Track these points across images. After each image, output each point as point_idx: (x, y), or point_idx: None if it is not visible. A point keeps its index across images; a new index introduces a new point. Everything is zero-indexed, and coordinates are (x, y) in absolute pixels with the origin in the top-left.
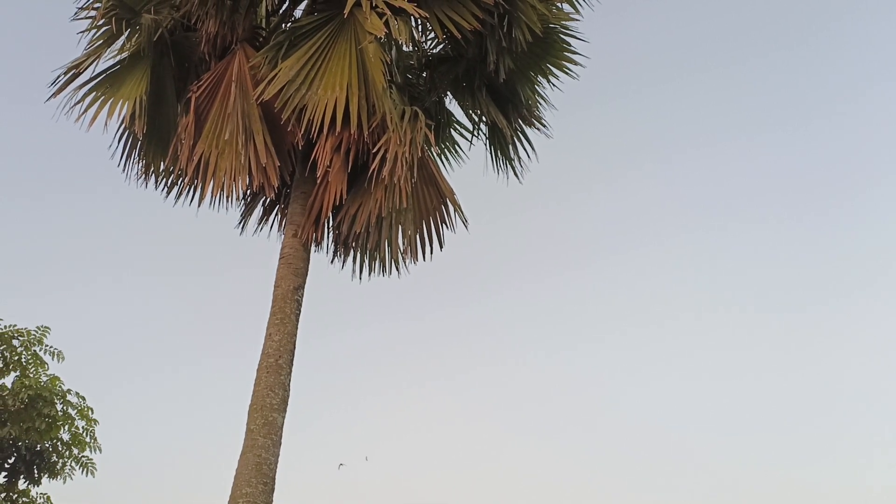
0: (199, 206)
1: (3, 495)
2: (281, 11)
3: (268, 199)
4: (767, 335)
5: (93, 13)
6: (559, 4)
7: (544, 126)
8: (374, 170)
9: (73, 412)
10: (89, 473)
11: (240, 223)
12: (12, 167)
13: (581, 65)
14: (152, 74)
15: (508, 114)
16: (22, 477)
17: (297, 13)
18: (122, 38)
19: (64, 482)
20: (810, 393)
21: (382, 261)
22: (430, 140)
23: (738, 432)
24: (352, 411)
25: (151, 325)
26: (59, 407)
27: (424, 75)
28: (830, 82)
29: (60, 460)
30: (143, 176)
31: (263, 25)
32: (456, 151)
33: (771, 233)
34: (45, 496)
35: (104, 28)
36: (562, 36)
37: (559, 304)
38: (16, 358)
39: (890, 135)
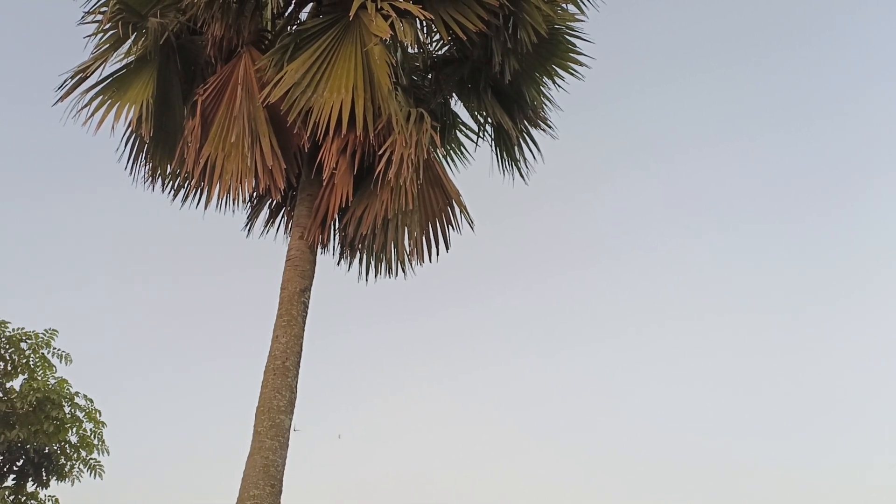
0: (205, 208)
1: (11, 498)
2: (286, 14)
3: (274, 202)
4: (769, 336)
5: (99, 17)
6: (564, 5)
7: (550, 127)
8: (379, 172)
9: (80, 415)
10: (97, 476)
11: (246, 225)
12: (19, 167)
13: (586, 66)
14: (159, 78)
15: (514, 115)
16: (30, 479)
17: (303, 16)
18: (129, 41)
19: (72, 484)
20: (811, 393)
21: (389, 262)
22: (436, 142)
23: (739, 433)
24: (358, 412)
25: (158, 327)
26: (66, 409)
27: (430, 77)
28: (832, 83)
29: (68, 463)
30: (150, 179)
31: (269, 28)
32: (461, 153)
33: (773, 233)
34: (54, 499)
35: (111, 32)
36: (567, 37)
37: (564, 305)
38: (24, 361)
39: (891, 135)
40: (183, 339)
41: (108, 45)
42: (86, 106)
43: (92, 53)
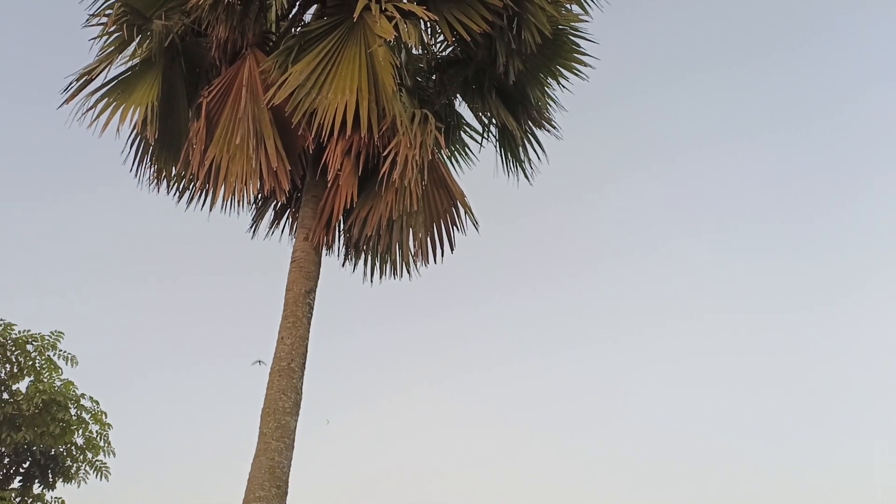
0: (210, 210)
1: (18, 499)
2: (291, 16)
3: (279, 203)
4: (773, 336)
5: (104, 20)
6: (568, 6)
7: (554, 128)
8: (384, 173)
9: (86, 416)
10: (103, 477)
11: (251, 227)
12: (24, 168)
13: (591, 66)
14: (163, 80)
15: (518, 116)
16: (36, 481)
17: (307, 18)
18: (134, 44)
19: (78, 486)
20: (814, 393)
21: (393, 264)
22: (441, 143)
23: (743, 433)
24: (363, 413)
25: (163, 328)
26: (73, 411)
27: (434, 78)
28: (833, 82)
29: (75, 464)
30: (155, 181)
31: (273, 30)
32: (466, 154)
33: (776, 233)
34: (60, 500)
35: (115, 35)
36: (571, 37)
37: (568, 305)
38: (30, 363)
39: (892, 134)
40: (188, 340)
41: (112, 48)
42: (91, 108)
43: (97, 56)
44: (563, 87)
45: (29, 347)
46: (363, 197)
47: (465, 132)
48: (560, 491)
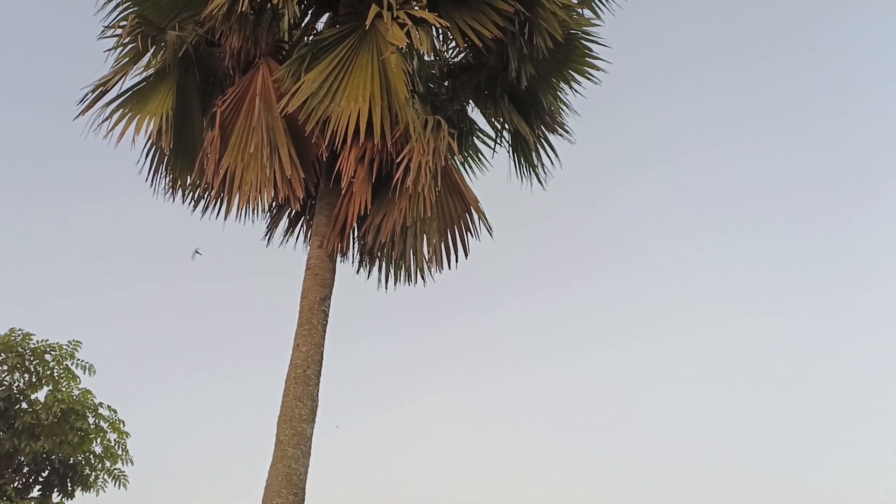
0: (225, 218)
1: None
2: (303, 25)
3: (293, 211)
4: (782, 338)
5: (118, 31)
6: (580, 10)
7: (567, 132)
8: (398, 179)
9: (104, 425)
10: (121, 486)
11: (266, 235)
12: (42, 176)
13: (603, 70)
14: (178, 90)
15: (531, 120)
16: (56, 490)
17: (319, 26)
18: (148, 54)
19: (97, 494)
20: (820, 396)
21: (408, 270)
22: (454, 149)
23: (754, 437)
24: (379, 419)
25: (179, 336)
26: (91, 420)
27: (446, 84)
28: (838, 83)
29: (93, 473)
30: (171, 190)
31: (286, 39)
32: (479, 159)
33: (785, 233)
34: None
35: (130, 46)
36: (583, 42)
37: (581, 309)
38: (48, 372)
39: None
40: (205, 348)
41: (127, 59)
42: (107, 119)
43: (112, 67)
44: (576, 91)
45: (47, 357)
46: (377, 204)
47: (478, 138)
48: (573, 495)
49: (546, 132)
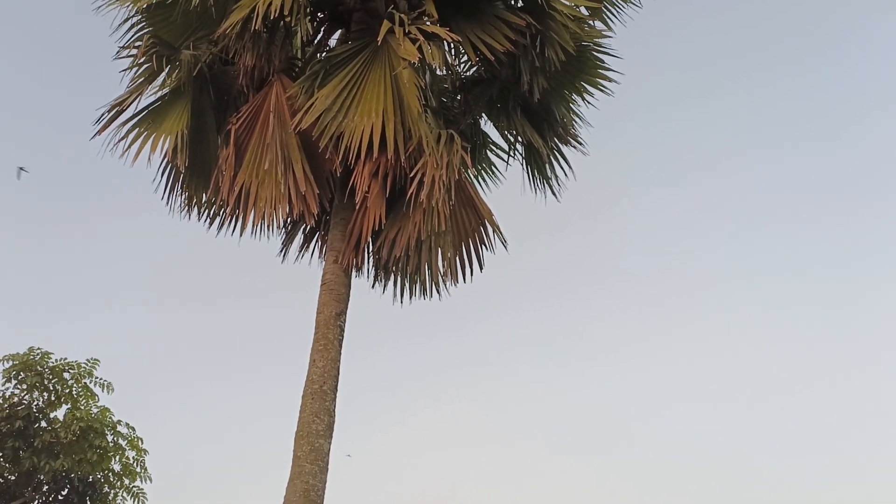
0: (241, 235)
1: None
2: (316, 41)
3: (308, 227)
4: (798, 351)
5: (134, 52)
6: (591, 22)
7: (580, 143)
8: (411, 194)
9: (123, 443)
10: (140, 503)
11: (281, 251)
12: (58, 195)
13: (615, 81)
14: (193, 108)
15: (544, 133)
16: None
17: (332, 42)
18: (163, 74)
19: None
20: (837, 408)
21: (423, 284)
22: (467, 162)
23: (768, 451)
24: (394, 432)
25: (196, 353)
26: (109, 438)
27: (459, 98)
28: (860, 91)
29: (112, 491)
30: (186, 207)
31: (299, 56)
32: (493, 172)
33: (802, 245)
34: None
35: (145, 66)
36: (595, 53)
37: (595, 322)
38: (67, 391)
39: None
40: (221, 364)
41: (143, 79)
42: (123, 138)
43: (127, 87)
44: (588, 102)
45: (66, 375)
46: (391, 218)
47: (492, 150)
48: None
49: (559, 144)
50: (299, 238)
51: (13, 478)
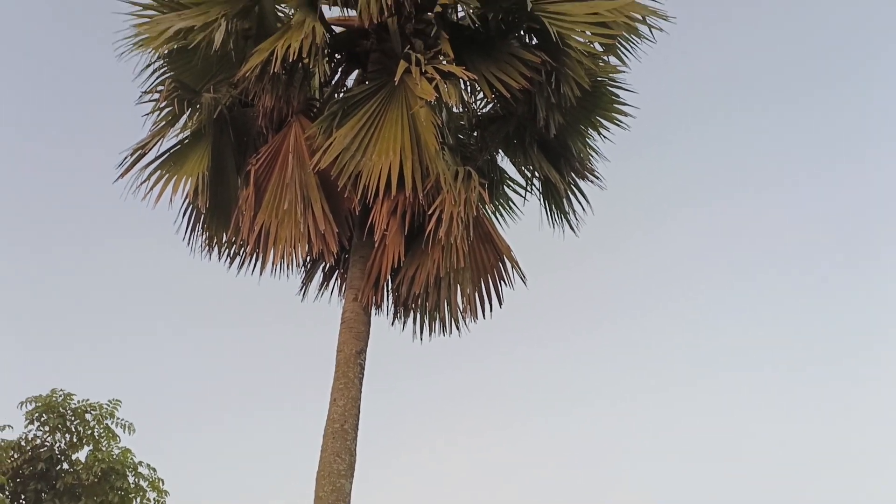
0: (261, 274)
1: None
2: (333, 82)
3: (327, 265)
4: (815, 391)
5: (156, 96)
6: (606, 58)
7: (597, 178)
8: (430, 231)
9: (144, 484)
10: None
11: (301, 289)
12: (77, 232)
13: (631, 115)
14: (213, 150)
15: (561, 168)
16: None
17: (349, 83)
18: (184, 117)
19: None
20: (844, 450)
21: (442, 320)
22: (485, 198)
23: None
24: (409, 461)
25: (217, 394)
26: (131, 479)
27: (476, 135)
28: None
29: None
30: (207, 247)
31: (317, 97)
32: (510, 208)
33: (821, 281)
34: None
35: (167, 109)
36: (610, 88)
37: (612, 356)
38: (89, 432)
39: None
40: (242, 403)
41: (164, 122)
42: (145, 181)
43: (150, 130)
44: (605, 137)
45: (88, 416)
46: (410, 255)
47: (509, 186)
48: None
49: (576, 179)
50: (319, 276)
51: None
